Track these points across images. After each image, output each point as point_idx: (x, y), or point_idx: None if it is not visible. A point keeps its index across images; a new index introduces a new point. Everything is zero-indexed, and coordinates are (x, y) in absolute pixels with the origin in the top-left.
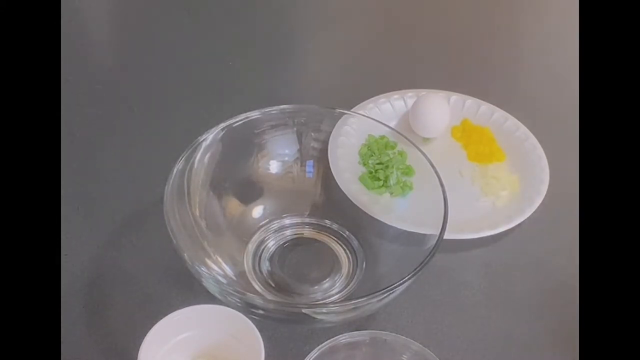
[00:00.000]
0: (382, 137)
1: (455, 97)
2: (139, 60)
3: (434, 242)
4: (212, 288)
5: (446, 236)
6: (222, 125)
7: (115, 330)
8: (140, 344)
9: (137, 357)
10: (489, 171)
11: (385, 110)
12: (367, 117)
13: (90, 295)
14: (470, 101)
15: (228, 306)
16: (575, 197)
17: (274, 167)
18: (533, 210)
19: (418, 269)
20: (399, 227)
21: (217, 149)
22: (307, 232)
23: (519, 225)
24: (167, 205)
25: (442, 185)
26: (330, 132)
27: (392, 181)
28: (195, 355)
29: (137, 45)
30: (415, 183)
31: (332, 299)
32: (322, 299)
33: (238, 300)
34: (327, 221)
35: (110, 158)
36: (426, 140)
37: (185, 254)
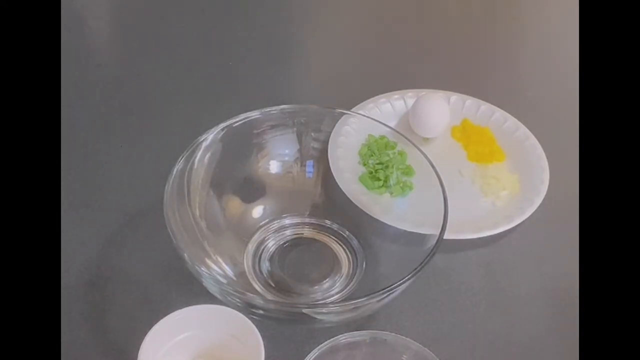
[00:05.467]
0: (382, 137)
1: (455, 97)
2: (139, 61)
3: (434, 242)
4: (212, 288)
5: (446, 236)
6: (222, 125)
7: (115, 330)
8: (140, 344)
9: (137, 357)
10: (489, 171)
11: (385, 110)
12: (367, 117)
13: (90, 295)
14: (470, 101)
15: (228, 306)
16: (575, 197)
17: (274, 167)
18: (533, 210)
19: (418, 269)
20: (399, 227)
21: (217, 149)
22: (307, 232)
23: (519, 225)
24: (167, 205)
25: (442, 185)
26: (330, 132)
27: (392, 181)
28: (195, 355)
29: (137, 46)
30: (415, 183)
31: (332, 299)
32: (322, 299)
33: (238, 300)
34: (327, 221)
35: (110, 158)
36: (426, 140)
37: (185, 254)
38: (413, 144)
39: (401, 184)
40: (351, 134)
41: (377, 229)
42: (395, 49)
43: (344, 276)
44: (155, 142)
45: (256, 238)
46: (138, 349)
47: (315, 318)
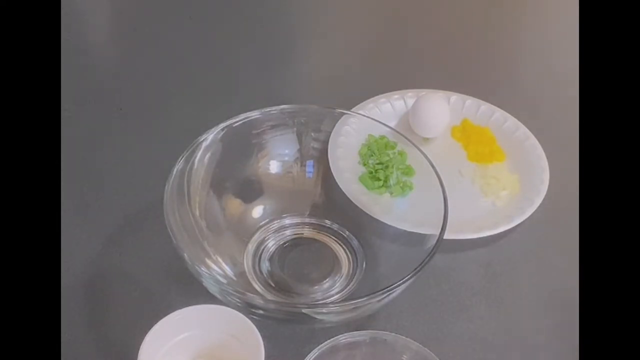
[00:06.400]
0: (382, 137)
1: (455, 97)
2: (139, 61)
3: (434, 242)
4: (212, 288)
5: (446, 236)
6: (222, 125)
7: (115, 330)
8: (140, 344)
9: (137, 357)
10: (489, 171)
11: (385, 110)
12: (367, 117)
13: (90, 295)
14: (470, 101)
15: (228, 306)
16: (575, 197)
17: (274, 167)
18: (533, 210)
19: (418, 269)
20: (399, 227)
21: (217, 149)
22: (307, 232)
23: (519, 225)
24: (167, 205)
25: (442, 185)
26: (330, 132)
27: (392, 181)
28: (195, 355)
29: (137, 46)
30: (415, 183)
31: (332, 299)
32: (322, 299)
33: (238, 300)
34: (327, 221)
35: (110, 158)
36: (426, 140)
37: (185, 254)
38: (413, 144)
39: (401, 184)
40: (351, 134)
41: (377, 229)
42: (395, 49)
43: (344, 276)
44: (155, 142)
45: (256, 238)
46: (138, 349)
47: (315, 318)
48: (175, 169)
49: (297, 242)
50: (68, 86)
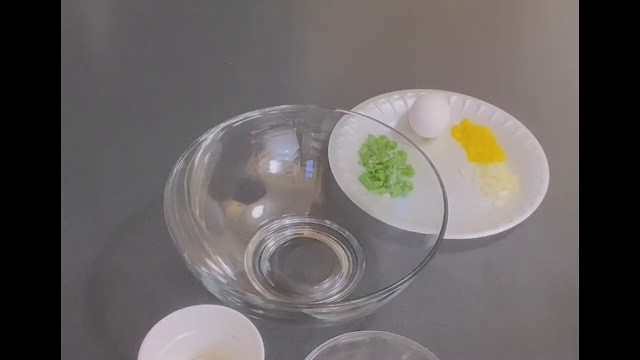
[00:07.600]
0: (382, 137)
1: (455, 97)
2: (139, 61)
3: (434, 242)
4: (212, 288)
5: (446, 236)
6: (222, 125)
7: (115, 330)
8: (140, 344)
9: (137, 357)
10: (489, 171)
11: (385, 110)
12: (367, 117)
13: (90, 295)
14: (470, 101)
15: (228, 306)
16: (575, 197)
17: (274, 167)
18: (533, 210)
19: (418, 269)
20: (399, 227)
21: (217, 149)
22: (307, 232)
23: (519, 225)
24: (167, 205)
25: (442, 185)
26: (330, 132)
27: (392, 181)
28: (195, 355)
29: (137, 46)
30: (415, 183)
31: (332, 299)
32: (322, 299)
33: (238, 300)
34: (327, 221)
35: (110, 158)
36: (426, 140)
37: (185, 254)
38: (413, 144)
39: (401, 184)
40: (351, 134)
41: (377, 229)
42: (396, 49)
43: (344, 276)
44: (155, 142)
45: (256, 238)
46: (138, 349)
47: (315, 318)
48: (175, 169)
49: (297, 242)
50: (68, 86)
